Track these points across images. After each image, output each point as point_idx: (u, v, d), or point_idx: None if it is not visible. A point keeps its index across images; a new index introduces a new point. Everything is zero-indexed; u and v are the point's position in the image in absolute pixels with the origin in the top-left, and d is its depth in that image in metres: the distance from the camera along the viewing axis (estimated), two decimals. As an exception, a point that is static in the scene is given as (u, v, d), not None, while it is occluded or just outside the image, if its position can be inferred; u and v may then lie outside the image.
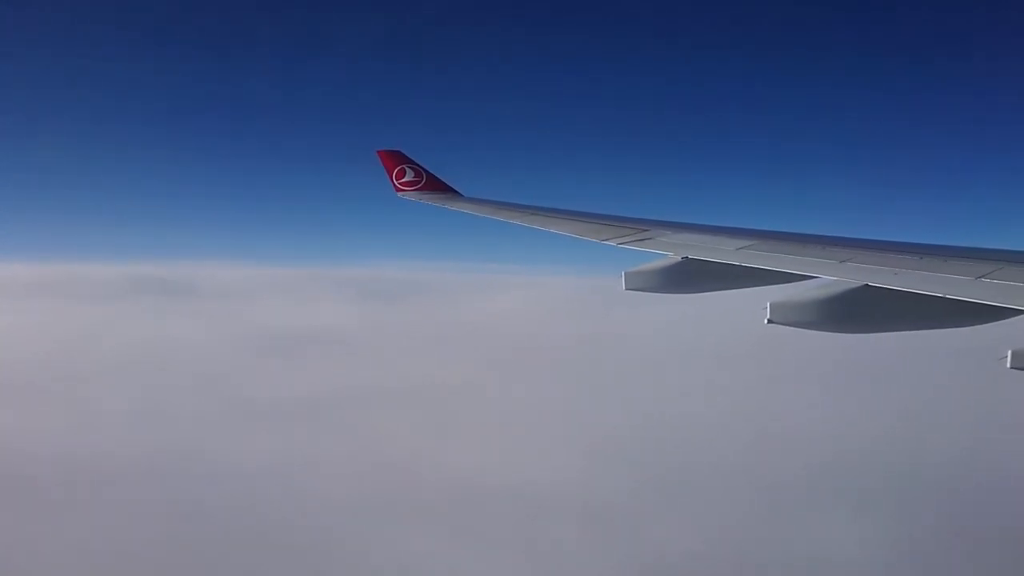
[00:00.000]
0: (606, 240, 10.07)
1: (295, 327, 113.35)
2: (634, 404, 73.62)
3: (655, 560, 45.75)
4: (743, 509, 50.93)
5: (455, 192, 16.85)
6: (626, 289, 8.96)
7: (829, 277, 7.22)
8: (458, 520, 50.06)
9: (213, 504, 51.21)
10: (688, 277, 8.67)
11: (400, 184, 17.12)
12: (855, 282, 6.90)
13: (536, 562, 46.01)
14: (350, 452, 61.92)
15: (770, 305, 6.90)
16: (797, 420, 66.76)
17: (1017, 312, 5.91)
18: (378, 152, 17.47)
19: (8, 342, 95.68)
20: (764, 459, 58.26)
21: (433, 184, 17.02)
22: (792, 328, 7.01)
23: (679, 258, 8.72)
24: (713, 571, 45.32)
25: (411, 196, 16.97)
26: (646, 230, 10.13)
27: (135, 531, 47.35)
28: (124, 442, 62.52)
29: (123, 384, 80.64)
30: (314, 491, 54.47)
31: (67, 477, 54.48)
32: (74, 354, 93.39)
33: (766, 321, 6.89)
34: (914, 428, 62.98)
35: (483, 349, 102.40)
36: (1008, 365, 6.21)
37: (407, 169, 17.10)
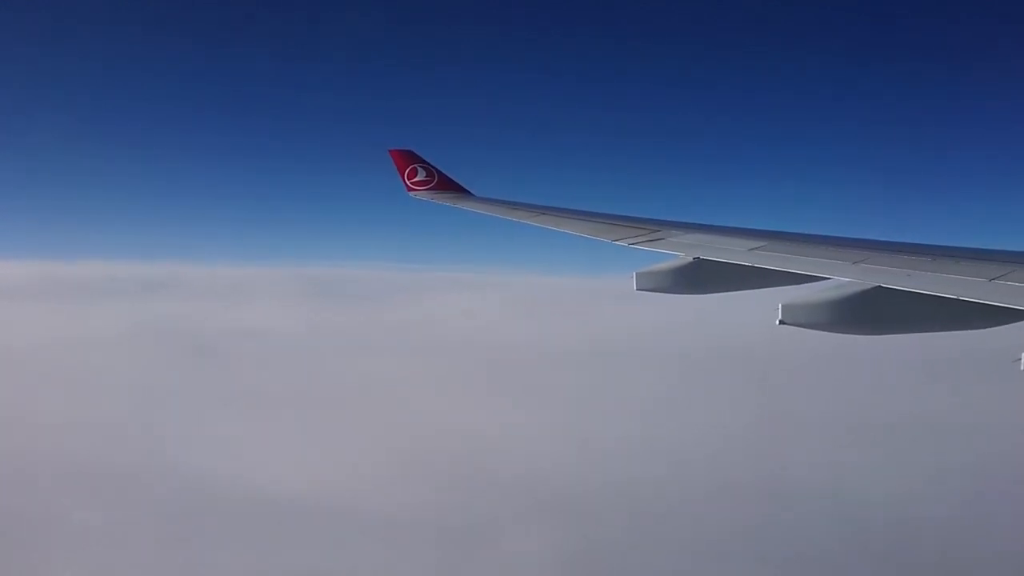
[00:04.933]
0: (617, 240, 10.07)
1: (234, 327, 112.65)
2: (626, 407, 72.70)
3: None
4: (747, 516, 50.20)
5: (467, 192, 16.87)
6: (637, 289, 8.98)
7: (841, 278, 7.19)
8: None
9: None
10: (699, 278, 8.67)
11: (412, 184, 17.15)
12: (867, 283, 6.87)
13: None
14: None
15: (782, 306, 6.88)
16: (804, 424, 66.29)
17: (1031, 314, 5.87)
18: (390, 151, 17.51)
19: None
20: (769, 465, 57.84)
21: (445, 184, 17.04)
22: (804, 329, 6.99)
23: (690, 259, 8.72)
24: None
25: (423, 196, 17.00)
26: (657, 230, 10.13)
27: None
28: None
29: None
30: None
31: None
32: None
33: (778, 322, 6.87)
34: (926, 432, 62.51)
35: (454, 351, 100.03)
36: (1023, 368, 6.17)
37: (419, 169, 17.13)
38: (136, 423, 68.82)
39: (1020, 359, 6.16)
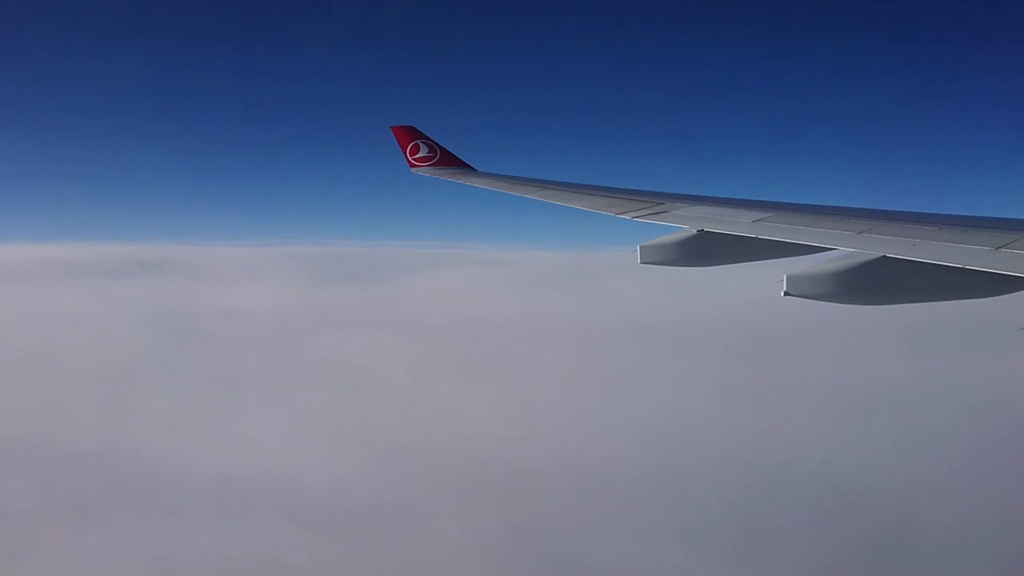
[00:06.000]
0: (621, 214, 10.04)
1: (222, 307, 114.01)
2: (632, 381, 72.47)
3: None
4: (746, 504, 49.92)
5: (469, 167, 16.80)
6: (641, 263, 8.97)
7: (846, 249, 7.16)
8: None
9: None
10: (704, 250, 8.66)
11: (414, 160, 17.09)
12: (873, 254, 6.84)
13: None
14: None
15: (787, 277, 6.87)
16: (811, 396, 66.34)
17: (1037, 282, 5.84)
18: (392, 128, 17.40)
19: None
20: (775, 438, 57.87)
21: (447, 159, 16.97)
22: (809, 300, 6.98)
23: (694, 231, 8.70)
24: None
25: (425, 172, 16.93)
26: (661, 203, 10.09)
27: None
28: None
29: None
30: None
31: None
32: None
33: (783, 294, 6.86)
34: (932, 400, 62.59)
35: (458, 328, 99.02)
36: None
37: (421, 145, 17.05)
38: (101, 402, 69.26)
39: None
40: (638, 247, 9.01)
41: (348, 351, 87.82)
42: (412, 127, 17.28)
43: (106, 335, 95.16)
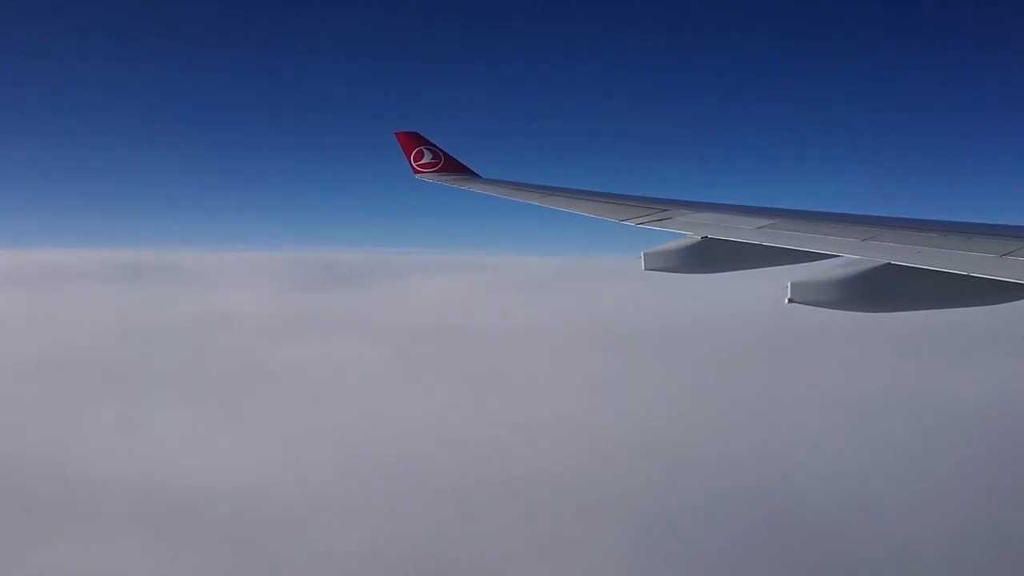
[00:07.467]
0: (625, 220, 10.02)
1: (207, 312, 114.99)
2: (638, 387, 72.22)
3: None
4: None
5: (473, 173, 16.81)
6: (645, 270, 8.97)
7: (851, 256, 7.15)
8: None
9: None
10: (708, 257, 8.66)
11: (418, 166, 17.12)
12: (877, 260, 6.83)
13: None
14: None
15: (791, 284, 6.87)
16: (815, 403, 66.16)
17: (1043, 290, 5.82)
18: (396, 134, 17.44)
19: None
20: (779, 445, 57.69)
21: (451, 165, 16.98)
22: (813, 307, 6.97)
23: (699, 238, 8.69)
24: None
25: (429, 177, 16.96)
26: (665, 210, 10.08)
27: None
28: None
29: None
30: None
31: None
32: None
33: (787, 300, 6.85)
34: (935, 407, 62.41)
35: (463, 335, 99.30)
36: None
37: (425, 151, 17.08)
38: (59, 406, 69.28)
39: None
40: (642, 254, 9.01)
41: (318, 356, 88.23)
42: (416, 133, 17.32)
43: (85, 340, 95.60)
